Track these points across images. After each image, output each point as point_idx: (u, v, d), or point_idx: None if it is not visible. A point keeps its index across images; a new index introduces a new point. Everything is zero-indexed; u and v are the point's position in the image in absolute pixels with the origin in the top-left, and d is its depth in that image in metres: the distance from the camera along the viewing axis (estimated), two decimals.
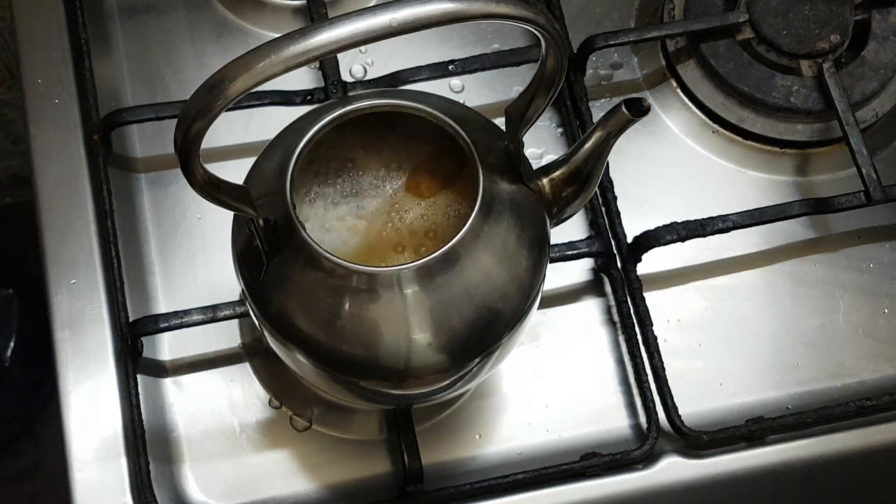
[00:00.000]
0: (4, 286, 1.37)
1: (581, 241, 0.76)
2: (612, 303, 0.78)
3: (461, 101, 0.73)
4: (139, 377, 0.72)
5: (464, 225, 0.55)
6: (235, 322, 0.76)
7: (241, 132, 0.80)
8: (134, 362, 0.72)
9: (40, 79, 0.79)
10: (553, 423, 0.76)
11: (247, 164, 0.62)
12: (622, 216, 0.78)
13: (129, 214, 0.78)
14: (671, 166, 0.83)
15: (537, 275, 0.61)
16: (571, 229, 0.78)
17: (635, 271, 0.77)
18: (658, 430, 0.73)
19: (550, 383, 0.76)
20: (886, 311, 0.80)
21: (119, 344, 0.73)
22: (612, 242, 0.77)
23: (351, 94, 0.80)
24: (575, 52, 0.83)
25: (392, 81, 0.80)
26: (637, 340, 0.76)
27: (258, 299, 0.60)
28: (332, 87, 0.80)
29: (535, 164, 0.62)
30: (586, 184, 0.61)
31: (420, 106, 0.58)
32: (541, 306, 0.64)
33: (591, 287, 0.79)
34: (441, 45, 0.84)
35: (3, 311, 1.36)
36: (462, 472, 0.74)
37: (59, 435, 0.71)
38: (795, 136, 0.83)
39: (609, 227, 0.78)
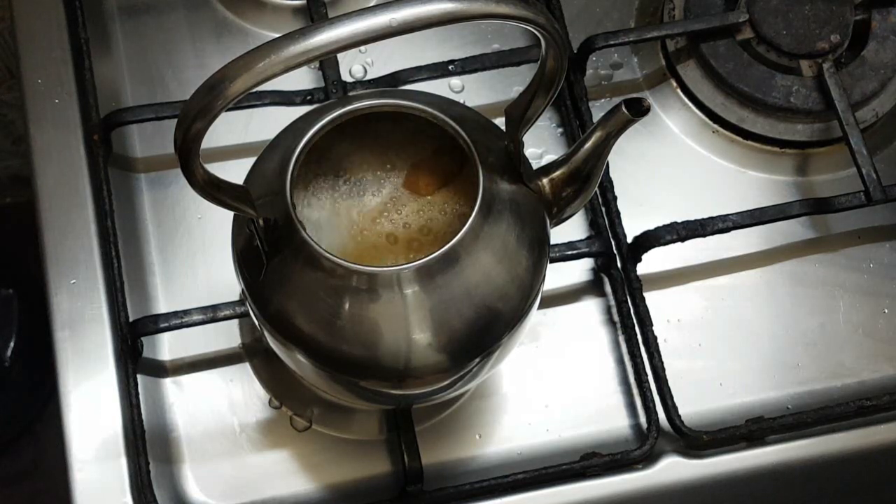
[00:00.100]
0: (4, 286, 1.37)
1: (581, 241, 0.76)
2: (612, 303, 0.78)
3: (461, 101, 0.73)
4: (139, 377, 0.72)
5: (464, 225, 0.55)
6: (235, 322, 0.76)
7: (241, 132, 0.80)
8: (134, 362, 0.72)
9: (40, 79, 0.79)
10: (553, 423, 0.76)
11: (247, 164, 0.62)
12: (622, 216, 0.78)
13: (129, 214, 0.78)
14: (671, 166, 0.83)
15: (537, 275, 0.61)
16: (571, 229, 0.78)
17: (635, 271, 0.77)
18: (658, 430, 0.73)
19: (550, 383, 0.76)
20: (886, 311, 0.80)
21: (119, 344, 0.73)
22: (612, 242, 0.77)
23: (351, 94, 0.80)
24: (575, 52, 0.83)
25: (392, 81, 0.80)
26: (637, 340, 0.76)
27: (258, 299, 0.59)
28: (332, 87, 0.80)
29: (535, 164, 0.62)
30: (586, 184, 0.61)
31: (420, 106, 0.58)
32: (541, 306, 0.64)
33: (591, 287, 0.79)
34: (441, 45, 0.84)
35: (3, 311, 1.36)
36: (462, 472, 0.74)
37: (59, 435, 0.71)
38: (795, 136, 0.83)
39: (609, 227, 0.78)
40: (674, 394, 0.74)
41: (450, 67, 0.81)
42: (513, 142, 0.58)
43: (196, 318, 0.72)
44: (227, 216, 0.59)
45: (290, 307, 0.58)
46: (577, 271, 0.79)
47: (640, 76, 0.86)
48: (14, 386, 1.39)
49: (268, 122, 0.70)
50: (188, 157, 0.49)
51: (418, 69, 0.81)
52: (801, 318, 0.79)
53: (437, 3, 0.47)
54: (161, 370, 0.75)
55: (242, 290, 0.61)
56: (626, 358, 0.77)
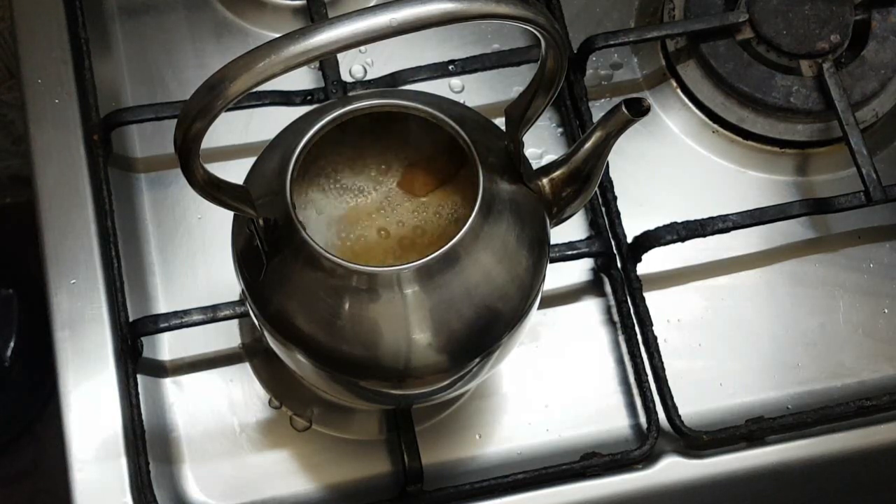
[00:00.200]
0: (4, 286, 1.37)
1: (581, 241, 0.76)
2: (612, 303, 0.78)
3: (461, 101, 0.73)
4: (139, 377, 0.72)
5: (464, 225, 0.55)
6: (235, 322, 0.76)
7: (241, 132, 0.80)
8: (134, 362, 0.72)
9: (40, 79, 0.79)
10: (553, 423, 0.76)
11: (247, 164, 0.62)
12: (622, 216, 0.78)
13: (129, 214, 0.78)
14: (671, 166, 0.83)
15: (537, 275, 0.60)
16: (571, 229, 0.78)
17: (635, 271, 0.77)
18: (658, 430, 0.73)
19: (550, 383, 0.76)
20: (886, 311, 0.80)
21: (119, 344, 0.73)
22: (612, 242, 0.77)
23: (351, 94, 0.80)
24: (575, 52, 0.83)
25: (392, 81, 0.80)
26: (637, 340, 0.76)
27: (258, 299, 0.59)
28: (332, 87, 0.80)
29: (535, 164, 0.62)
30: (586, 184, 0.61)
31: (420, 106, 0.58)
32: (541, 306, 0.64)
33: (591, 287, 0.79)
34: (441, 45, 0.84)
35: (3, 311, 1.36)
36: (462, 472, 0.74)
37: (59, 435, 0.71)
38: (795, 136, 0.83)
39: (609, 227, 0.78)
40: (674, 394, 0.74)
41: (450, 67, 0.81)
42: (513, 142, 0.58)
43: (196, 318, 0.72)
44: (227, 216, 0.59)
45: (290, 307, 0.58)
46: (577, 271, 0.79)
47: (640, 76, 0.86)
48: (14, 386, 1.39)
49: (268, 122, 0.70)
50: (188, 157, 0.49)
51: (418, 69, 0.81)
52: (801, 318, 0.79)
53: (437, 3, 0.47)
54: (161, 370, 0.75)
55: (242, 290, 0.61)
56: (626, 358, 0.77)
